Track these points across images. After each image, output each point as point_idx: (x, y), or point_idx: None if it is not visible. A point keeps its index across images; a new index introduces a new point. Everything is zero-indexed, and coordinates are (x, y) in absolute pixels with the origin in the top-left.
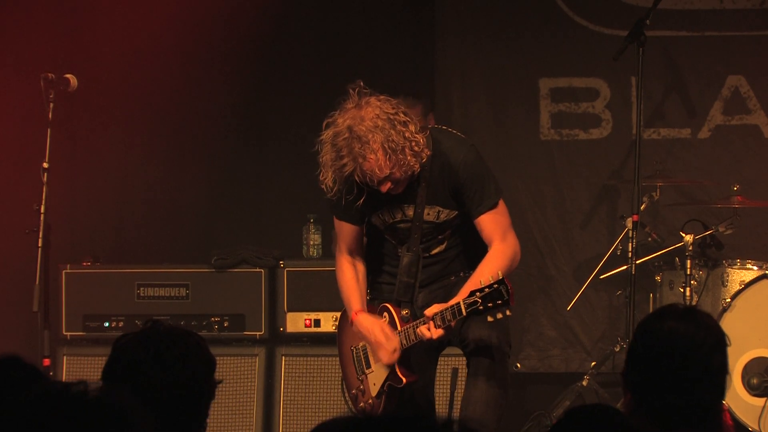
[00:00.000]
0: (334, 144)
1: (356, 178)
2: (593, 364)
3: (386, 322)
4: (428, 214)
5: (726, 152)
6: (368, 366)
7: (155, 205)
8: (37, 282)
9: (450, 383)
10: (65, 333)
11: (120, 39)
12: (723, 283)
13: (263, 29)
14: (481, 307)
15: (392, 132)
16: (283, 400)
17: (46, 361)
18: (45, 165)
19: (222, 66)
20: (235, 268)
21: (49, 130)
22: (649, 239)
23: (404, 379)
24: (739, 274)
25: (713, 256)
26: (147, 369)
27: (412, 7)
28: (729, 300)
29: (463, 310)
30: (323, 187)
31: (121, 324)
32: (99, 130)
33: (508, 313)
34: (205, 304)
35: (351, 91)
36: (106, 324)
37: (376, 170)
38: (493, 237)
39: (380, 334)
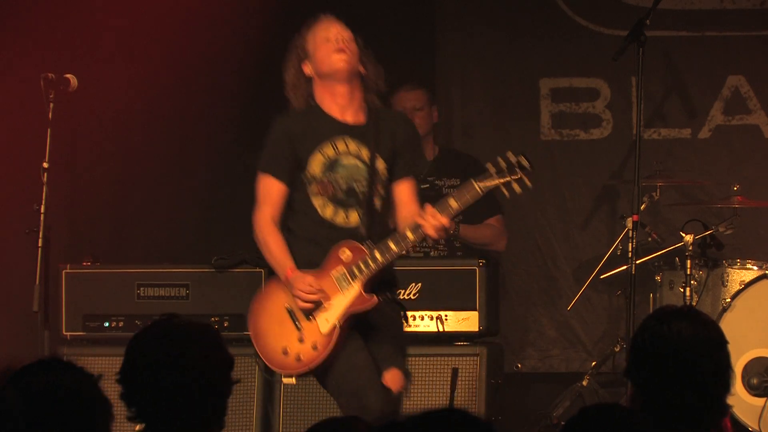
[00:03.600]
0: (308, 28)
1: (321, 40)
2: (593, 364)
3: (346, 257)
4: (377, 163)
5: (726, 152)
6: (313, 311)
7: (155, 205)
8: (37, 282)
9: (450, 383)
10: (65, 333)
11: (120, 39)
12: (723, 283)
13: (264, 29)
14: (500, 182)
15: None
16: (283, 400)
17: None
18: (45, 165)
19: (222, 65)
20: (235, 268)
21: (49, 130)
22: (649, 239)
23: (370, 299)
24: (739, 274)
25: (713, 256)
26: (166, 373)
27: (411, 8)
28: (729, 300)
29: (478, 189)
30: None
31: (121, 324)
32: (99, 130)
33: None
34: (205, 304)
35: None
36: (106, 324)
37: (344, 27)
38: (413, 204)
39: (314, 288)
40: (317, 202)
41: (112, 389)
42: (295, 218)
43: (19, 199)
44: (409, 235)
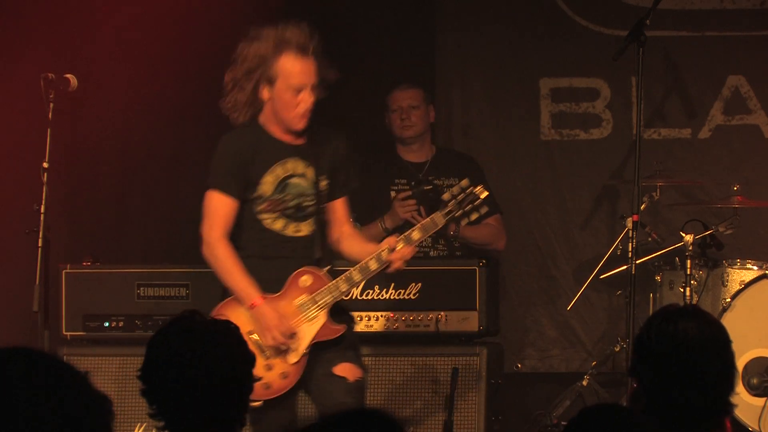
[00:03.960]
0: (275, 44)
1: (288, 84)
2: (594, 364)
3: (308, 285)
4: (320, 182)
5: (726, 152)
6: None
7: (155, 205)
8: (37, 282)
9: (450, 383)
10: (65, 333)
11: (120, 39)
12: (723, 283)
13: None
14: (458, 214)
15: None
16: None
17: None
18: (45, 165)
19: (222, 65)
20: None
21: (49, 130)
22: (649, 239)
23: (338, 329)
24: (739, 274)
25: (713, 256)
26: (187, 370)
27: (411, 8)
28: (729, 300)
29: (439, 222)
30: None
31: (121, 324)
32: (99, 130)
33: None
34: (205, 304)
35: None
36: (106, 324)
37: (314, 69)
38: (348, 220)
39: (281, 325)
40: (266, 216)
41: (111, 388)
42: (243, 234)
43: (19, 199)
44: (372, 265)
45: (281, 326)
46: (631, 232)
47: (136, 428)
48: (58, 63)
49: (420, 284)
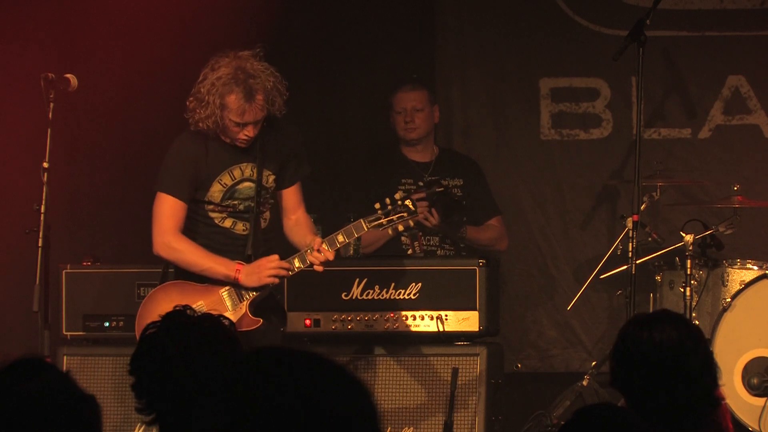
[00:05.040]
0: (224, 82)
1: (231, 119)
2: (594, 363)
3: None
4: (266, 178)
5: (726, 152)
6: None
7: None
8: (37, 282)
9: (450, 383)
10: (65, 333)
11: (120, 39)
12: (723, 283)
13: (263, 28)
14: (384, 222)
15: (277, 75)
16: None
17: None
18: (45, 165)
19: None
20: None
21: (49, 130)
22: (650, 239)
23: (256, 320)
24: (739, 274)
25: (713, 256)
26: (175, 365)
27: (411, 8)
28: (729, 300)
29: (365, 227)
30: (200, 122)
31: (121, 324)
32: (99, 130)
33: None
34: None
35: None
36: (106, 324)
37: (258, 110)
38: (300, 206)
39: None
40: (215, 216)
41: (110, 388)
42: (192, 225)
43: (19, 199)
44: (297, 263)
45: (266, 265)
46: (631, 232)
47: (136, 428)
48: (58, 63)
49: (420, 284)
